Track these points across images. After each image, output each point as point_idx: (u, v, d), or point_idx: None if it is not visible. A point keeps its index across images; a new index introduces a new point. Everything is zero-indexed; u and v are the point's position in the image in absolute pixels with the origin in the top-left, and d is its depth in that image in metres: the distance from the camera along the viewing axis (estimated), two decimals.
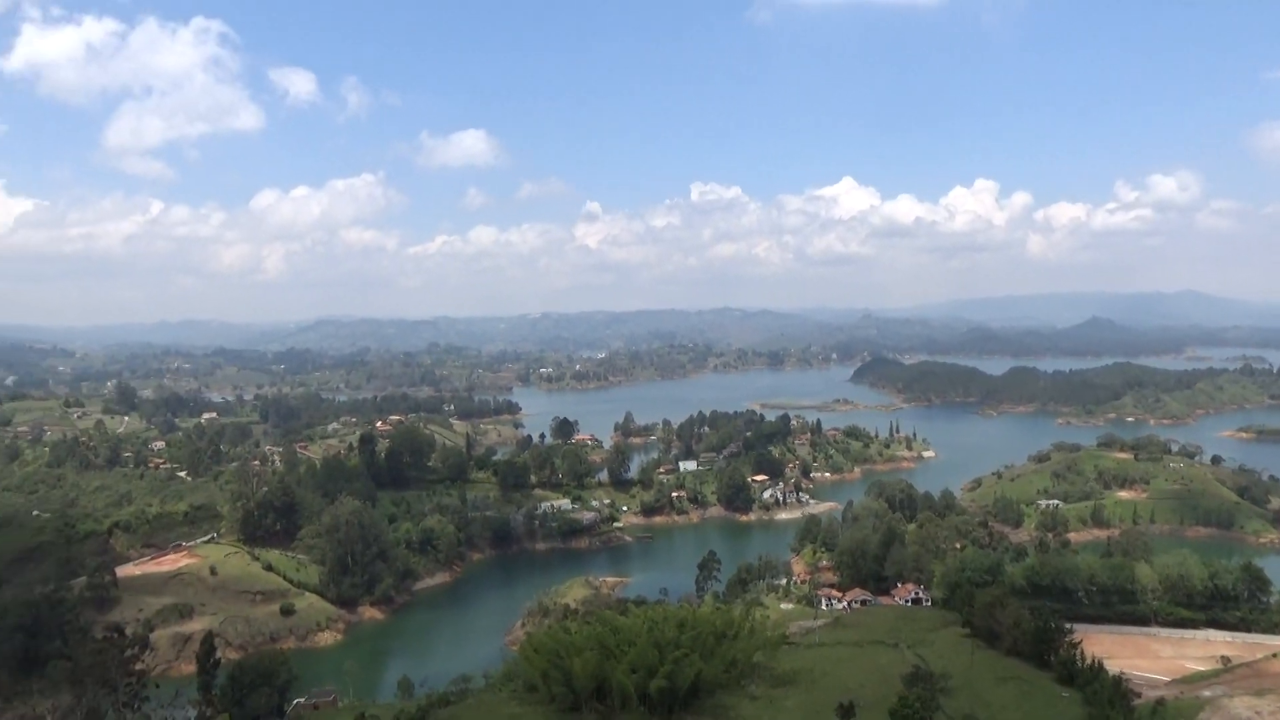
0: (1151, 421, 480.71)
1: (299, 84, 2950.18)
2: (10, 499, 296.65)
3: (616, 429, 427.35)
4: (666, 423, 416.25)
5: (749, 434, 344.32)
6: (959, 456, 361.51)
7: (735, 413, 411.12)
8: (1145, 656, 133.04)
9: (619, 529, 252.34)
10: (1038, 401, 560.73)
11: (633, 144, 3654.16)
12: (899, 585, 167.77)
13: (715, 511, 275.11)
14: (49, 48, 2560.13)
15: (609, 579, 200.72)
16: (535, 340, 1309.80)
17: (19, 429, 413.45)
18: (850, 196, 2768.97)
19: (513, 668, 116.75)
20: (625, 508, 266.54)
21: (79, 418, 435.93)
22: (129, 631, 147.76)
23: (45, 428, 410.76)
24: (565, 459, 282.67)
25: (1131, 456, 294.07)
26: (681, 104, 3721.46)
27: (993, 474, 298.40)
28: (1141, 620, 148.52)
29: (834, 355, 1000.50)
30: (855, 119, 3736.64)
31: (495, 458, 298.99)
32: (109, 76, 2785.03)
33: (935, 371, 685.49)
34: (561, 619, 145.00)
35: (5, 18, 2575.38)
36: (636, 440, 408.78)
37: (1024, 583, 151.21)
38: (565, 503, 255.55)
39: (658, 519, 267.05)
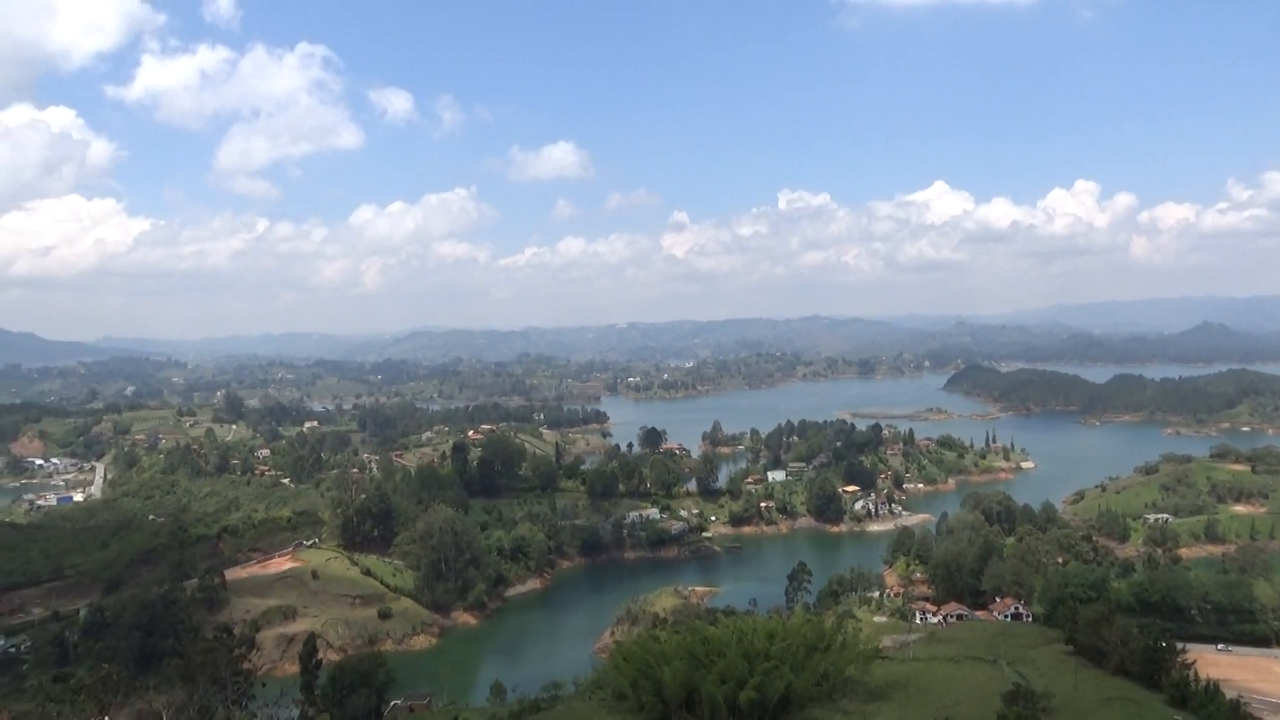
0: (1270, 431, 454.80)
1: (396, 103, 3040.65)
2: (129, 504, 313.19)
3: (704, 438, 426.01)
4: (755, 432, 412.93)
5: (839, 444, 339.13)
6: (1060, 468, 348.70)
7: (825, 422, 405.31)
8: (1266, 679, 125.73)
9: (707, 539, 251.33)
10: (1144, 410, 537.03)
11: (720, 153, 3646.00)
12: (997, 600, 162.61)
13: (805, 522, 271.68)
14: (166, 76, 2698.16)
15: (698, 588, 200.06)
16: (623, 350, 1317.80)
17: (136, 437, 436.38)
18: (942, 201, 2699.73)
19: (602, 675, 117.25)
20: (714, 517, 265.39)
21: (191, 426, 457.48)
22: (237, 632, 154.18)
23: (160, 436, 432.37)
24: (653, 468, 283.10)
25: (1248, 469, 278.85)
26: (769, 112, 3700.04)
27: (1096, 486, 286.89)
28: (1261, 641, 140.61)
29: (926, 363, 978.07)
30: (947, 122, 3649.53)
31: (584, 467, 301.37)
32: (220, 101, 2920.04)
33: (1034, 379, 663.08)
34: (651, 627, 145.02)
35: (127, 50, 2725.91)
36: (724, 450, 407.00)
37: (1131, 599, 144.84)
38: (653, 512, 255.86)
39: (746, 529, 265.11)
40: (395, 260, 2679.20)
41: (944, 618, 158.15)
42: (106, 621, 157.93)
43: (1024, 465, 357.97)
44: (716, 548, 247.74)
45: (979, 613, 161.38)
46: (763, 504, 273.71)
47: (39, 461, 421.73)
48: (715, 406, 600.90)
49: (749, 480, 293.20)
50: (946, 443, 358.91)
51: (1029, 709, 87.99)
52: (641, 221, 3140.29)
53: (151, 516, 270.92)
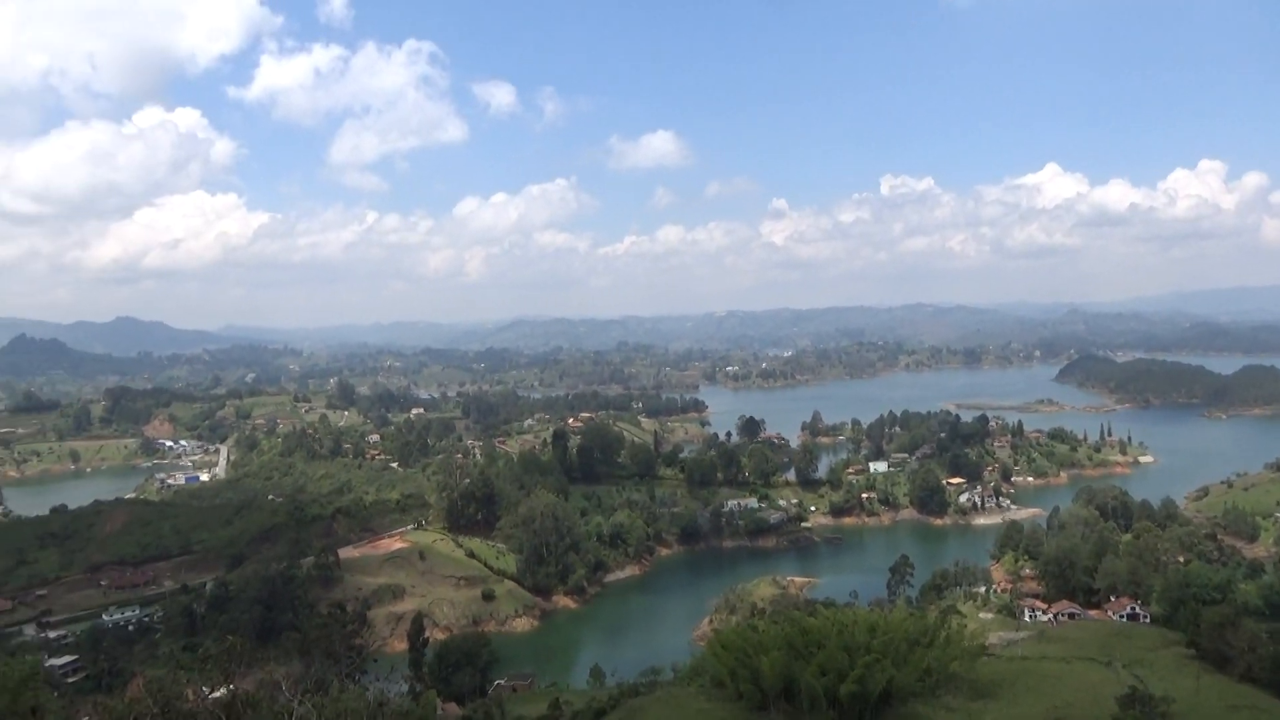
0: None
1: (500, 96, 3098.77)
2: (250, 484, 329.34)
3: (804, 428, 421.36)
4: (856, 422, 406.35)
5: (943, 435, 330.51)
6: (1181, 463, 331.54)
7: (928, 413, 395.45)
8: None
9: (806, 529, 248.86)
10: (1277, 403, 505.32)
11: (820, 139, 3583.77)
12: (1112, 599, 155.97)
13: (907, 514, 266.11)
14: (283, 76, 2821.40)
15: (797, 579, 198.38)
16: (721, 338, 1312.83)
17: (256, 421, 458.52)
18: (1055, 184, 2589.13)
19: (700, 663, 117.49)
20: (813, 507, 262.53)
21: (306, 412, 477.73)
22: (349, 609, 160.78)
23: (278, 420, 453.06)
24: (752, 457, 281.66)
25: None
26: (871, 96, 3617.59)
27: (1222, 482, 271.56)
28: None
29: (1036, 353, 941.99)
30: (1060, 102, 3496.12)
31: (682, 455, 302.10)
32: (333, 99, 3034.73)
33: (1153, 370, 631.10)
34: (749, 617, 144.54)
35: (247, 52, 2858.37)
36: (824, 440, 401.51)
37: (1261, 603, 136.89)
38: (752, 501, 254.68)
39: (847, 520, 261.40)
40: (498, 250, 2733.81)
41: (1054, 616, 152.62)
42: (230, 595, 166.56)
43: (1142, 459, 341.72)
44: (816, 538, 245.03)
45: (1092, 612, 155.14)
46: (864, 495, 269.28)
47: (169, 443, 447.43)
48: (815, 396, 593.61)
49: (850, 470, 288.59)
50: (1058, 435, 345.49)
51: (1146, 713, 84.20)
52: (740, 209, 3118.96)
53: (271, 497, 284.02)
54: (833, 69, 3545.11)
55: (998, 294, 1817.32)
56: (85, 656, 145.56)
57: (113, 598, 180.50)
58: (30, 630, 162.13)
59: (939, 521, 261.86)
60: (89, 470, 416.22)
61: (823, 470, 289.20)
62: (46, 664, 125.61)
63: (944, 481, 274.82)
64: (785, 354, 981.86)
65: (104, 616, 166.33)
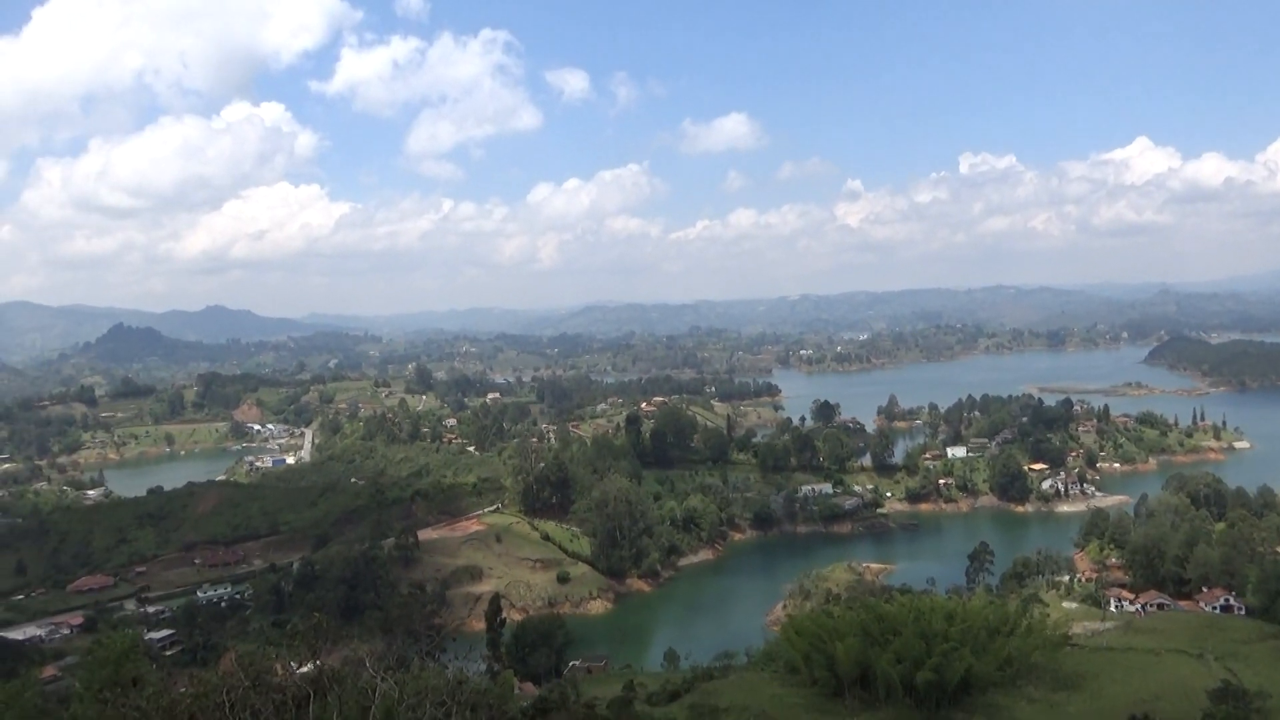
0: None
1: (573, 83, 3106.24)
2: (333, 467, 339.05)
3: (879, 412, 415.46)
4: (933, 406, 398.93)
5: (1025, 419, 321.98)
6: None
7: (1009, 397, 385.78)
8: None
9: (882, 515, 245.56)
10: None
11: (897, 117, 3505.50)
12: (1204, 590, 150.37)
13: (987, 500, 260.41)
14: (363, 68, 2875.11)
15: (872, 565, 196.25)
16: (794, 322, 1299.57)
17: (339, 405, 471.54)
18: (1144, 158, 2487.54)
19: (774, 648, 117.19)
20: (889, 493, 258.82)
21: (386, 396, 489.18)
22: (429, 589, 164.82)
23: (359, 405, 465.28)
24: (826, 442, 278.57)
25: None
26: (950, 70, 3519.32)
27: None
28: None
29: (1124, 334, 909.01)
30: (1151, 72, 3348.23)
31: (756, 439, 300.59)
32: (411, 90, 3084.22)
33: (1250, 351, 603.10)
34: (824, 602, 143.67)
35: (328, 47, 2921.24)
36: (901, 424, 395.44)
37: None
38: (826, 486, 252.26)
39: (923, 506, 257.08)
40: (570, 236, 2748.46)
41: (1142, 606, 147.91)
42: (315, 574, 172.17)
43: (1237, 445, 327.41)
44: (891, 524, 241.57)
45: (1182, 603, 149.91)
46: (941, 480, 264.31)
47: (257, 427, 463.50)
48: (891, 380, 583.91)
49: (927, 456, 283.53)
50: (1147, 420, 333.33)
51: (1240, 708, 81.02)
52: (814, 191, 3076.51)
53: (353, 479, 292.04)
54: (909, 44, 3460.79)
55: (1083, 274, 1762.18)
56: (181, 631, 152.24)
57: (206, 575, 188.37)
58: (131, 605, 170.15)
59: (1020, 508, 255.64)
60: (182, 453, 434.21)
61: (899, 455, 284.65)
62: (146, 637, 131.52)
63: (1025, 467, 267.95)
64: (860, 337, 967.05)
65: (198, 593, 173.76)
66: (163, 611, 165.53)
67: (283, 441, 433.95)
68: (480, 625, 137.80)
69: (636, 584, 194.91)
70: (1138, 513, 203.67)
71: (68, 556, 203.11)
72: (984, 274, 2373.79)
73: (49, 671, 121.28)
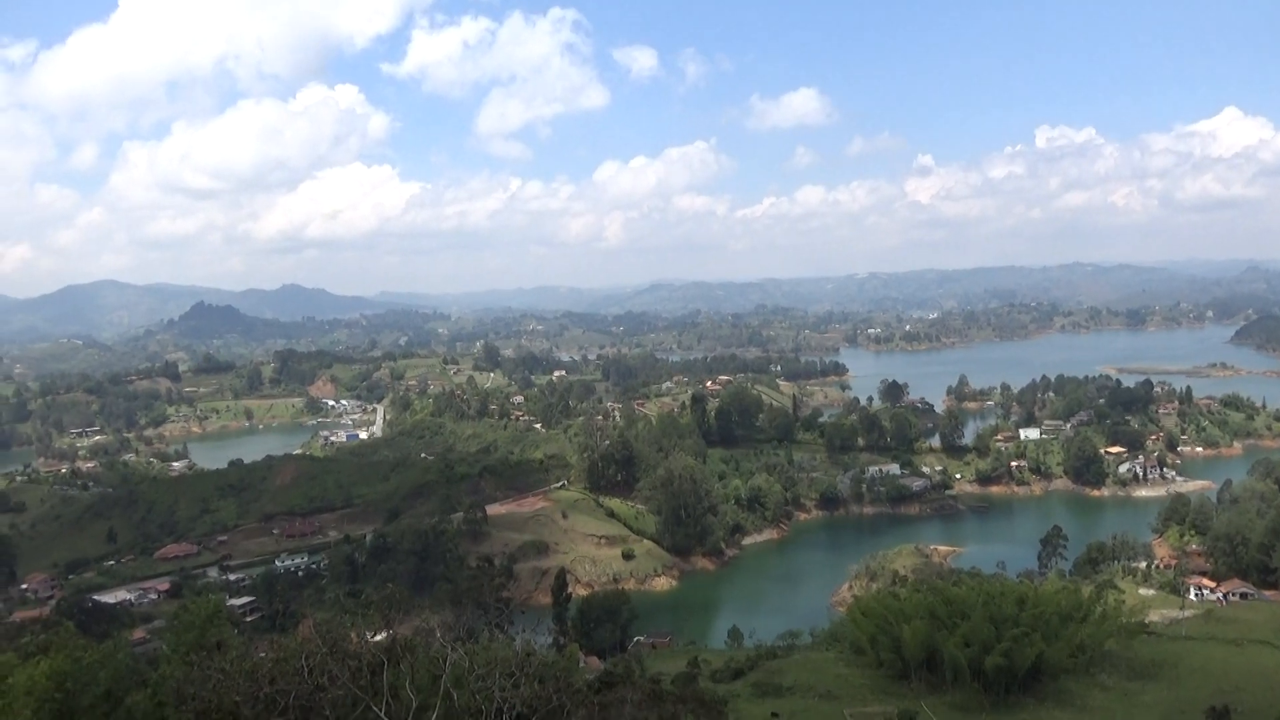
0: None
1: (641, 60, 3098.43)
2: (404, 443, 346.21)
3: (949, 393, 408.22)
4: (1005, 387, 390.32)
5: (1102, 401, 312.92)
6: None
7: (1085, 377, 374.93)
8: None
9: (951, 497, 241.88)
10: None
11: (971, 91, 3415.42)
12: None
13: (1061, 484, 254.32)
14: (434, 50, 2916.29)
15: (940, 548, 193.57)
16: (862, 300, 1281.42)
17: (409, 382, 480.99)
18: (1233, 129, 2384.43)
19: (839, 629, 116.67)
20: (959, 475, 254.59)
21: (454, 374, 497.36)
22: (497, 563, 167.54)
23: (429, 382, 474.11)
24: (894, 422, 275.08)
25: None
26: (1024, 43, 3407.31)
27: None
28: None
29: (1209, 313, 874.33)
30: (1239, 37, 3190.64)
31: (822, 419, 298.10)
32: (480, 70, 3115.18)
33: None
34: (890, 584, 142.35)
35: (401, 30, 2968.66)
36: (971, 405, 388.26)
37: None
38: (894, 467, 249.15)
39: (994, 489, 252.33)
40: (636, 214, 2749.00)
41: (1224, 595, 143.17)
42: (388, 546, 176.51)
43: None
44: (961, 506, 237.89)
45: (1268, 593, 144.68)
46: (1013, 463, 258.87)
47: (331, 402, 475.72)
48: (961, 359, 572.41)
49: (998, 437, 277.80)
50: (1232, 402, 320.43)
51: None
52: (884, 166, 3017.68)
53: (423, 455, 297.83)
54: (984, 13, 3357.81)
55: (1166, 251, 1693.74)
56: (261, 598, 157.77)
57: (284, 545, 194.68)
58: (214, 572, 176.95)
59: (1095, 493, 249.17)
60: (261, 427, 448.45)
61: (969, 437, 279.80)
62: (228, 603, 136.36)
63: (1102, 450, 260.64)
64: (930, 316, 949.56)
65: (276, 563, 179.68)
66: (243, 579, 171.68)
67: (356, 417, 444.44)
68: (546, 599, 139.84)
69: (701, 562, 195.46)
70: (1221, 499, 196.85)
71: (155, 525, 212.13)
72: (1060, 251, 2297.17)
73: (139, 634, 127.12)
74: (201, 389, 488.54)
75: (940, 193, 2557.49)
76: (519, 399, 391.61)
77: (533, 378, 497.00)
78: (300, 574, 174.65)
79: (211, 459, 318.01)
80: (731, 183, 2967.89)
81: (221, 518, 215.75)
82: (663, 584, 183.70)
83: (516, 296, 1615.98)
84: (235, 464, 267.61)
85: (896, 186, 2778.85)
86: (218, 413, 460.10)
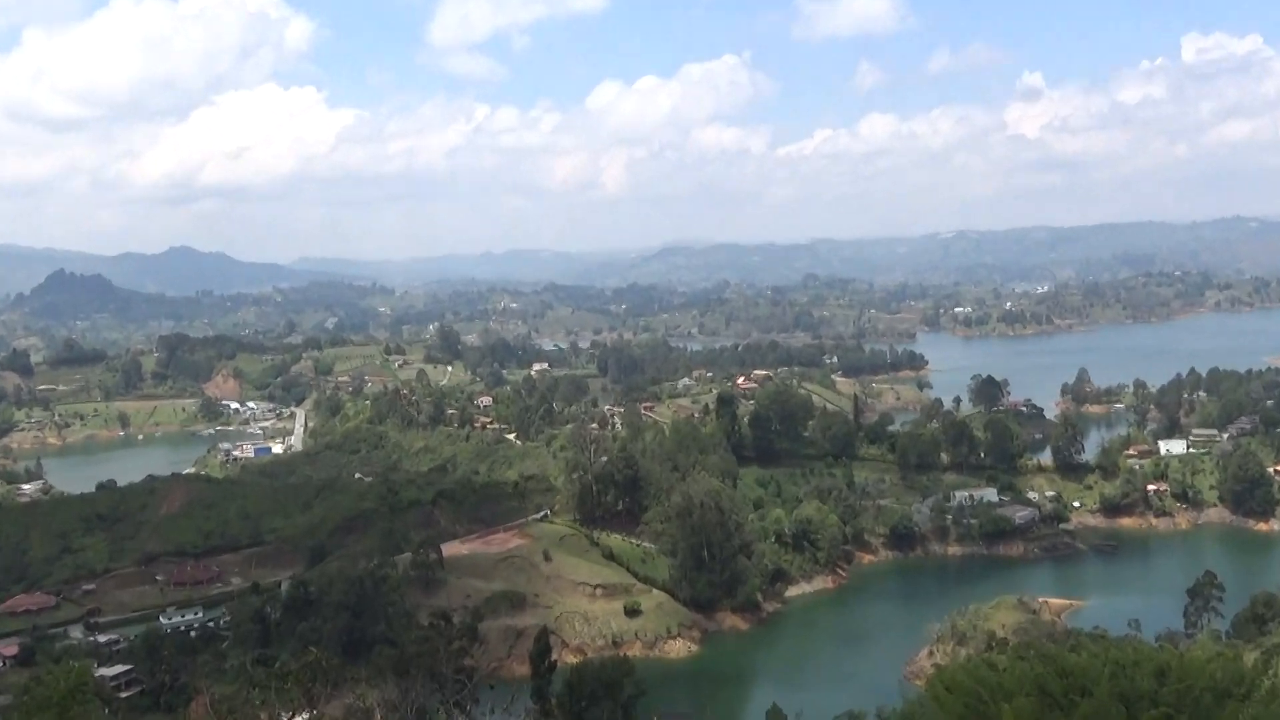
0: None
1: None
2: (333, 458, 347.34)
3: (1064, 392, 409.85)
4: (1140, 384, 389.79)
5: (1270, 403, 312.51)
6: None
7: (1249, 372, 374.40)
8: None
9: (1067, 532, 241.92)
10: None
11: None
12: None
13: (1215, 514, 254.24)
14: None
15: (1052, 600, 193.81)
16: (948, 269, 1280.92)
17: (339, 378, 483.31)
18: None
19: (916, 709, 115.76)
20: (1077, 503, 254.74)
21: (400, 367, 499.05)
22: (456, 620, 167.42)
23: (366, 378, 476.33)
24: (990, 432, 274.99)
25: None
26: None
27: None
28: None
29: None
30: None
31: (893, 428, 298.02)
32: None
33: None
34: (985, 650, 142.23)
35: None
36: (1094, 409, 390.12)
37: None
38: (990, 492, 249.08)
39: (1125, 521, 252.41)
40: (644, 153, 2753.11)
41: None
42: (310, 598, 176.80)
43: None
44: (1080, 545, 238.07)
45: None
46: (1151, 486, 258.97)
47: (235, 405, 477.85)
48: (1081, 347, 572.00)
49: (1131, 452, 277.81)
50: None
51: None
52: (977, 89, 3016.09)
53: (358, 475, 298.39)
54: None
55: None
56: (141, 666, 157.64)
57: (171, 596, 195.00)
58: (77, 632, 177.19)
59: (1263, 526, 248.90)
60: (140, 437, 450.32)
61: (1091, 451, 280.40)
62: (97, 673, 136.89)
63: (1271, 469, 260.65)
64: (1039, 289, 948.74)
65: (161, 619, 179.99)
66: (117, 641, 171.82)
67: (268, 425, 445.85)
68: (524, 669, 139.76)
69: (730, 619, 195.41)
70: None
71: None
72: (1215, 202, 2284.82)
73: None
74: (61, 386, 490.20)
75: (1053, 123, 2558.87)
76: (486, 401, 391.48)
77: (505, 373, 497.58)
78: (193, 634, 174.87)
79: (74, 480, 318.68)
80: (772, 110, 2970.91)
81: (88, 559, 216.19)
82: (679, 648, 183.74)
83: (483, 264, 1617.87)
84: (106, 487, 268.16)
85: (994, 115, 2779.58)
86: (82, 418, 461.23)
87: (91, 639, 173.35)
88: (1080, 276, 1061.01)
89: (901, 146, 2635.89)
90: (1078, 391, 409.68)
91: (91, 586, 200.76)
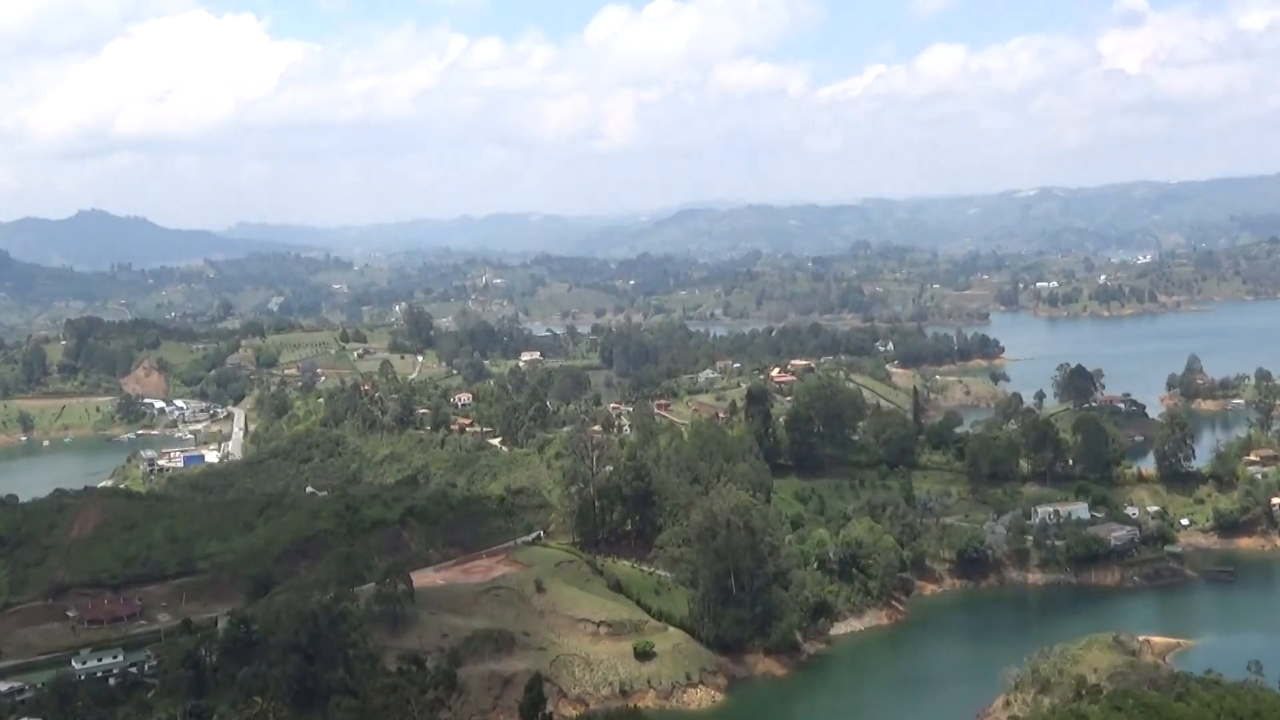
0: None
1: None
2: (279, 468, 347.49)
3: (1171, 386, 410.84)
4: (1263, 376, 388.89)
5: None
6: None
7: None
8: None
9: (1174, 555, 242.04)
10: None
11: None
12: None
13: None
14: None
15: (1154, 638, 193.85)
16: (1027, 234, 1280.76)
17: (286, 371, 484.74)
18: None
19: None
20: (1186, 520, 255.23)
21: (360, 356, 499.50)
22: (430, 665, 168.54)
23: (319, 370, 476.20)
24: (1080, 434, 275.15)
25: None
26: None
27: None
28: None
29: None
30: None
31: (961, 430, 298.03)
32: None
33: None
34: (1073, 699, 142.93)
35: None
36: (1207, 405, 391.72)
37: None
38: (1080, 508, 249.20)
39: (1244, 542, 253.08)
40: (656, 95, 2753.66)
41: None
42: (253, 638, 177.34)
43: None
44: (1190, 571, 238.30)
45: None
46: (1276, 500, 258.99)
47: (159, 404, 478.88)
48: (1191, 330, 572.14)
49: (1251, 458, 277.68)
50: None
51: None
52: (1065, 13, 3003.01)
53: (309, 489, 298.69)
54: None
55: None
56: (50, 719, 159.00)
57: (85, 635, 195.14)
58: None
59: None
60: (45, 443, 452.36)
61: (1203, 457, 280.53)
62: None
63: None
64: (1140, 259, 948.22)
65: (74, 662, 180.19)
66: (21, 689, 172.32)
67: (200, 428, 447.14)
68: None
69: (763, 663, 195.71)
70: None
71: None
72: None
73: None
74: None
75: (1157, 55, 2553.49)
76: (465, 398, 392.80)
77: (488, 364, 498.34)
78: (112, 681, 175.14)
79: None
80: (812, 41, 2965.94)
81: None
82: (701, 698, 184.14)
83: (460, 230, 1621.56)
84: (5, 504, 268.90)
85: (1084, 46, 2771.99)
86: None
87: None
88: (1191, 243, 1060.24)
89: (971, 86, 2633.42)
90: (1187, 384, 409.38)
91: None
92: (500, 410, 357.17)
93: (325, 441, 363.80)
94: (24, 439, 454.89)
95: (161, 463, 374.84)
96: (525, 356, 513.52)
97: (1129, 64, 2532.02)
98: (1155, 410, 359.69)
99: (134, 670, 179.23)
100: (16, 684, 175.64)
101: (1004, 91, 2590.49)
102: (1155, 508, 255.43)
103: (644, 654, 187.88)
